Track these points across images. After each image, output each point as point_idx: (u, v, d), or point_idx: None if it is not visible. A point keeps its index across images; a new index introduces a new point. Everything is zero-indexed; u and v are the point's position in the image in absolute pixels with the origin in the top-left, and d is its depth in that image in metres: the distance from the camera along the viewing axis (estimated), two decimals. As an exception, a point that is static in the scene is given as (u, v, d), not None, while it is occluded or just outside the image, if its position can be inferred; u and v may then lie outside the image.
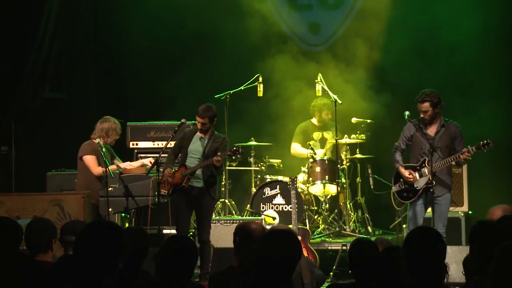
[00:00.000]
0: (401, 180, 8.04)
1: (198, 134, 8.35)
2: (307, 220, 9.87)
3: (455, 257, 7.09)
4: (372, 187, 10.35)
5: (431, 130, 7.94)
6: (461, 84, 10.62)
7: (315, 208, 10.15)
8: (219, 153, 8.17)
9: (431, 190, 7.80)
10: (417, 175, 7.94)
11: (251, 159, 10.28)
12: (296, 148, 10.48)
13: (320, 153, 10.18)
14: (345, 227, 9.93)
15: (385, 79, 10.63)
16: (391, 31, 10.80)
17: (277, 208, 9.85)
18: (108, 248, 3.53)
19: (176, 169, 8.29)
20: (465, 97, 10.42)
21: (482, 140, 7.71)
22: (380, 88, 10.62)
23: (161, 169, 8.17)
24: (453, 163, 7.96)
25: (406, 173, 7.98)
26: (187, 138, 8.35)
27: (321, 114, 10.39)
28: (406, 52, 10.53)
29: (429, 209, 8.05)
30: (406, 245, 3.75)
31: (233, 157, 8.92)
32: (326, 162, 10.00)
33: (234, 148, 8.39)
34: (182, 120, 8.64)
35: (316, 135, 10.50)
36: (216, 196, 8.44)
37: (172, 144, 8.59)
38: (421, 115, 7.91)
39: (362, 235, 9.52)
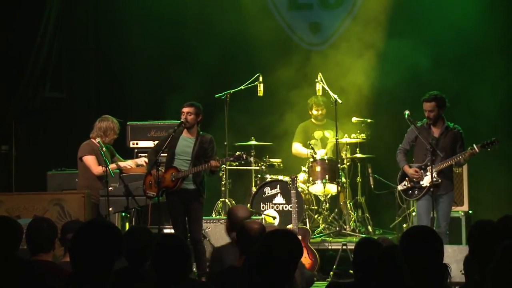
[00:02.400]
0: (407, 178, 8.25)
1: (184, 134, 8.28)
2: (307, 220, 9.86)
3: (455, 257, 7.08)
4: (372, 186, 10.34)
5: (436, 132, 8.17)
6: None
7: (315, 207, 10.15)
8: (217, 158, 8.15)
9: (439, 187, 8.03)
10: (422, 173, 8.13)
11: (251, 159, 10.26)
12: (297, 148, 10.46)
13: (321, 153, 10.17)
14: (345, 226, 9.92)
15: (386, 78, 10.61)
16: (392, 27, 10.79)
17: (277, 207, 9.85)
18: (104, 248, 3.51)
19: (163, 170, 8.17)
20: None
21: (487, 140, 7.92)
22: (380, 88, 10.62)
23: (161, 168, 8.14)
24: (453, 163, 8.13)
25: (411, 170, 8.18)
26: (173, 139, 8.25)
27: (312, 111, 10.41)
28: (409, 48, 10.49)
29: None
30: (401, 243, 3.76)
31: (236, 163, 8.92)
32: (326, 161, 9.99)
33: (237, 154, 8.37)
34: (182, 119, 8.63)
35: (317, 134, 10.49)
36: (205, 194, 8.37)
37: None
38: (426, 114, 8.11)
39: (362, 235, 9.52)
